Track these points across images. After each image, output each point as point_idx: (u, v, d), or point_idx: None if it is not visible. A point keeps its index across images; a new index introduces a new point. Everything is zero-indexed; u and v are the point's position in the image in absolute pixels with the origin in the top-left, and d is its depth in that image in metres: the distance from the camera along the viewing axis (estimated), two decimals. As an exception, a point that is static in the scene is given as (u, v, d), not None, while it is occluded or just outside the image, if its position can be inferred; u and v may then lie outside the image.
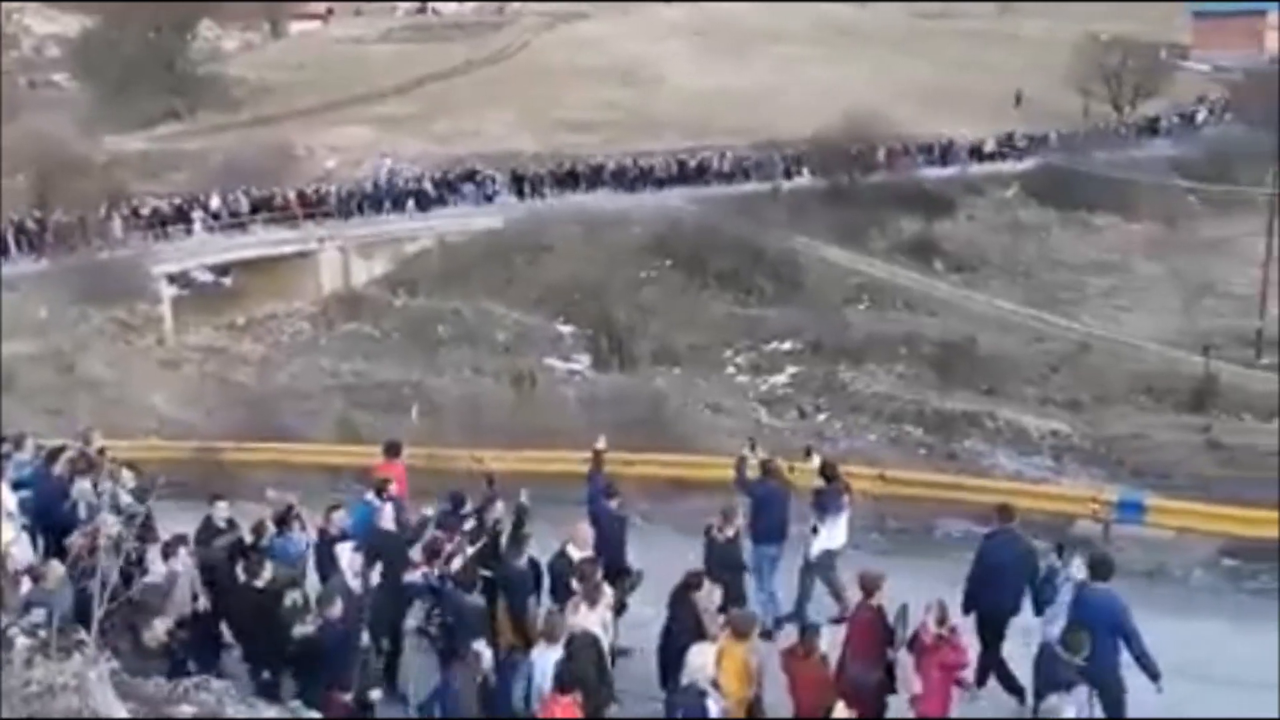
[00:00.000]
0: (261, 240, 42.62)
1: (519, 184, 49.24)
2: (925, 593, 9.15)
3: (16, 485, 11.97)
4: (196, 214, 43.58)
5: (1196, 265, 44.17)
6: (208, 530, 10.72)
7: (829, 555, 11.14)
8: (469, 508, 10.86)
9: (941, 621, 8.48)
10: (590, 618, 8.83)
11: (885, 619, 8.79)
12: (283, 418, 25.99)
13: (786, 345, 36.85)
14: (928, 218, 47.16)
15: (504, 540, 10.37)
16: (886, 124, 50.07)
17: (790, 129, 54.43)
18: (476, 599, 9.29)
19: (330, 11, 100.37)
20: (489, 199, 48.30)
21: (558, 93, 65.89)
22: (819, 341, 35.96)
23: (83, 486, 11.34)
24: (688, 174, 50.74)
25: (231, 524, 10.90)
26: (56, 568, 8.74)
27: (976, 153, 53.97)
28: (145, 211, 43.58)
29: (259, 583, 9.38)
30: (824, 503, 11.16)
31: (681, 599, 9.18)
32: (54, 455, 11.92)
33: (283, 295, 41.62)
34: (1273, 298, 38.40)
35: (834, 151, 48.99)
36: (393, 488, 11.42)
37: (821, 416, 30.69)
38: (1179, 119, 61.56)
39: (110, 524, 9.41)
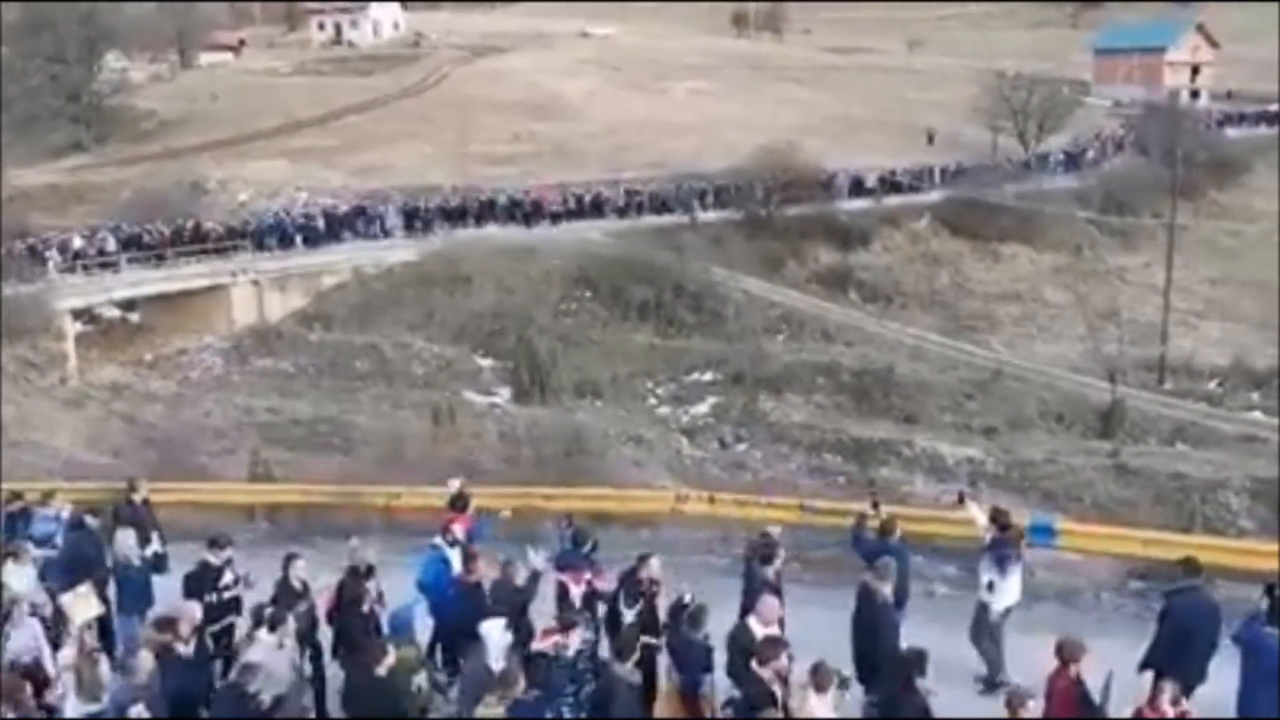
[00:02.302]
0: (171, 274, 41.64)
1: (410, 217, 48.91)
2: (848, 622, 9.16)
3: (39, 541, 11.50)
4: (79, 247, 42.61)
5: (1101, 294, 45.56)
6: (203, 579, 9.86)
7: (1003, 613, 10.21)
8: (586, 543, 10.46)
9: (1176, 701, 7.69)
10: (820, 706, 7.59)
11: (1088, 691, 8.04)
12: (195, 456, 25.40)
13: (707, 376, 37.03)
14: (843, 249, 47.95)
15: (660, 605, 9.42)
16: (802, 157, 50.89)
17: (707, 161, 55.09)
18: (633, 673, 8.24)
19: (242, 43, 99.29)
20: (386, 234, 47.89)
21: (475, 126, 65.91)
22: (739, 372, 36.19)
23: (126, 539, 10.85)
24: (619, 204, 51.02)
25: (306, 589, 9.84)
26: (147, 659, 7.93)
27: (888, 184, 55.10)
28: (51, 245, 42.51)
29: (382, 669, 7.98)
30: (1001, 555, 10.13)
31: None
32: (93, 510, 11.51)
33: (194, 330, 40.67)
34: (1172, 324, 39.78)
35: (751, 183, 49.62)
36: (458, 531, 10.91)
37: (742, 446, 30.82)
38: (1082, 153, 63.56)
39: (194, 609, 8.95)
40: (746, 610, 8.92)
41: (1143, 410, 33.14)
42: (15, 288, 37.29)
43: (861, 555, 10.35)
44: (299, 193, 54.85)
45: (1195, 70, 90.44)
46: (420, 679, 8.57)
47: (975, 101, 64.71)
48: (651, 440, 30.45)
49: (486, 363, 38.81)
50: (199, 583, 9.77)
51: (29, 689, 7.82)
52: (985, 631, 10.12)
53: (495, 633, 8.83)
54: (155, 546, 11.31)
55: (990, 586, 10.08)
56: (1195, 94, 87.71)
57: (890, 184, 55.13)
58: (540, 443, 26.45)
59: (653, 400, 36.15)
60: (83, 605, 8.90)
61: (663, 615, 9.36)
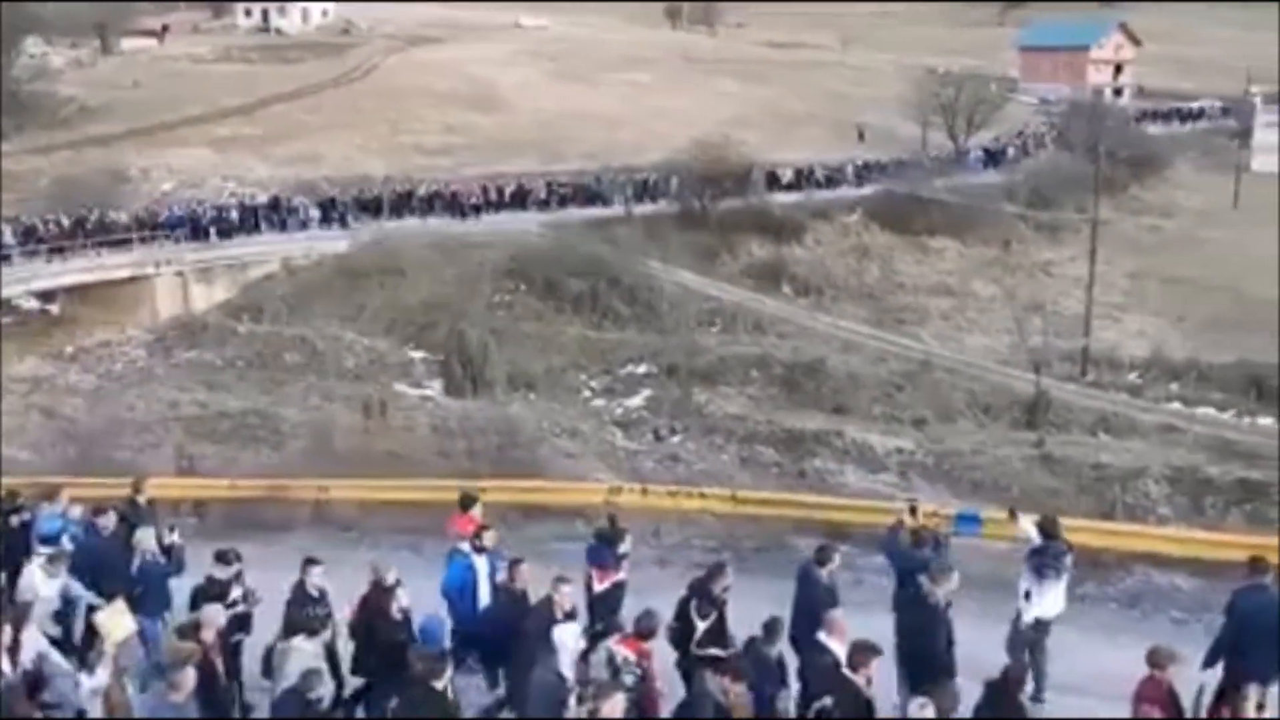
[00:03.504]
0: (92, 265, 40.63)
1: (327, 209, 48.39)
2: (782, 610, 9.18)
3: (44, 539, 11.15)
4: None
5: (1027, 287, 46.45)
6: (210, 595, 9.31)
7: (1042, 626, 9.92)
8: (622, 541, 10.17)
9: (1261, 706, 7.50)
10: None
11: (1179, 701, 7.86)
12: (117, 451, 24.81)
13: (641, 369, 37.06)
14: (776, 242, 48.30)
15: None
16: (735, 149, 51.12)
17: (641, 154, 55.10)
18: (726, 689, 7.80)
19: (166, 29, 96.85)
20: (303, 225, 47.22)
21: (408, 116, 65.16)
22: (673, 365, 36.28)
23: (146, 539, 10.49)
24: (541, 197, 50.78)
25: (323, 595, 9.38)
26: (190, 675, 7.51)
27: (821, 178, 55.58)
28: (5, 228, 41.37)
29: (440, 683, 7.60)
30: (1040, 564, 9.89)
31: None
32: (99, 509, 10.98)
33: (116, 322, 39.76)
34: (1095, 317, 40.68)
35: (685, 176, 49.74)
36: (489, 536, 10.33)
37: (675, 438, 30.82)
38: (1003, 150, 64.66)
39: (218, 613, 8.59)
40: (804, 614, 8.69)
41: (1067, 401, 33.84)
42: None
43: (894, 562, 10.20)
44: (225, 182, 53.81)
45: (1118, 68, 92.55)
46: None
47: (906, 97, 65.50)
48: (585, 433, 30.34)
49: (419, 355, 38.47)
50: (206, 598, 9.34)
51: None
52: (1019, 642, 9.86)
53: (569, 639, 8.52)
54: (172, 538, 10.86)
55: (1026, 596, 9.91)
56: (1119, 91, 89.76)
57: (823, 179, 55.64)
58: (473, 435, 26.22)
59: (586, 393, 36.10)
60: (118, 623, 8.41)
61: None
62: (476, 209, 49.53)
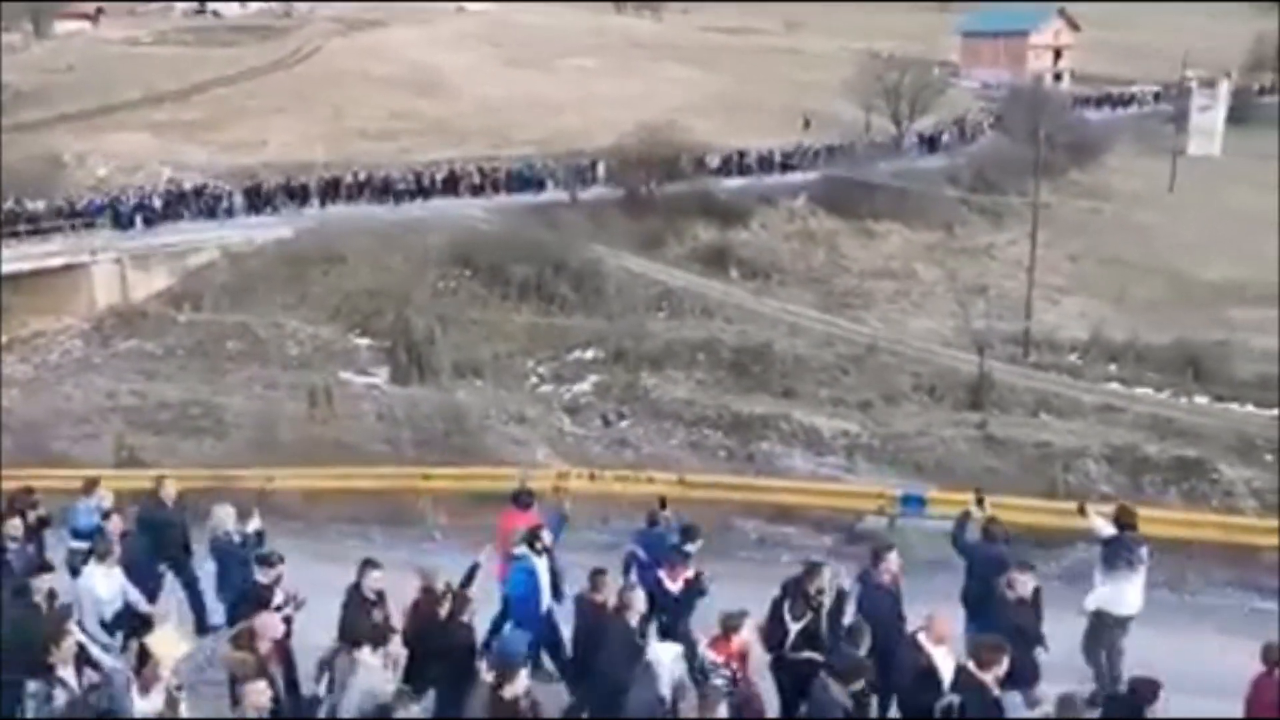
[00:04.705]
0: (26, 253, 39.67)
1: (252, 196, 47.83)
2: (730, 596, 9.07)
3: (79, 534, 10.84)
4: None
5: (971, 270, 47.01)
6: (253, 600, 8.80)
7: (1111, 621, 9.45)
8: (696, 539, 9.70)
9: None
10: None
11: None
12: (54, 442, 24.38)
13: (589, 354, 37.01)
14: (722, 227, 48.37)
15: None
16: (682, 135, 51.10)
17: (587, 139, 54.91)
18: (849, 697, 7.29)
19: (100, 11, 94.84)
20: (228, 213, 46.56)
21: (351, 101, 64.38)
22: (620, 349, 36.26)
23: (224, 519, 10.30)
24: (475, 183, 50.45)
25: (380, 599, 8.82)
26: (264, 690, 7.14)
27: (766, 163, 55.74)
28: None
29: (511, 690, 7.21)
30: (1111, 555, 9.43)
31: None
32: (154, 492, 10.75)
33: (52, 312, 38.91)
34: (1036, 299, 41.27)
35: (631, 161, 49.64)
36: (546, 537, 9.80)
37: (624, 423, 30.89)
38: (952, 133, 65.31)
39: (275, 621, 8.12)
40: (868, 619, 8.25)
41: (1009, 383, 34.32)
42: None
43: (966, 555, 9.82)
44: (163, 167, 52.85)
45: (1058, 54, 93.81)
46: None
47: (850, 82, 65.88)
48: (533, 419, 30.29)
49: (363, 342, 38.12)
50: (249, 607, 8.82)
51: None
52: (1096, 641, 9.54)
53: (667, 656, 7.98)
54: (256, 524, 10.57)
55: (1096, 588, 9.57)
56: (1058, 76, 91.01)
57: (768, 163, 55.82)
58: (420, 423, 26.08)
59: (534, 379, 36.00)
60: (172, 645, 7.92)
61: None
62: (410, 195, 49.09)
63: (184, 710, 7.22)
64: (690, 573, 9.21)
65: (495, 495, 16.36)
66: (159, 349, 37.33)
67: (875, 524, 14.20)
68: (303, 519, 16.51)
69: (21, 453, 20.24)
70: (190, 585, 11.12)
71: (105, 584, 9.35)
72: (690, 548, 9.67)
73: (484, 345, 37.06)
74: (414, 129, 60.43)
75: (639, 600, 8.53)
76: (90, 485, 11.63)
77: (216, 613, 10.47)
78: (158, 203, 45.94)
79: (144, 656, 8.33)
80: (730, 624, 7.95)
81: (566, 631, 9.42)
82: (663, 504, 11.16)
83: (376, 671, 7.65)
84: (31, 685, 7.51)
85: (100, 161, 54.10)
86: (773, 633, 8.58)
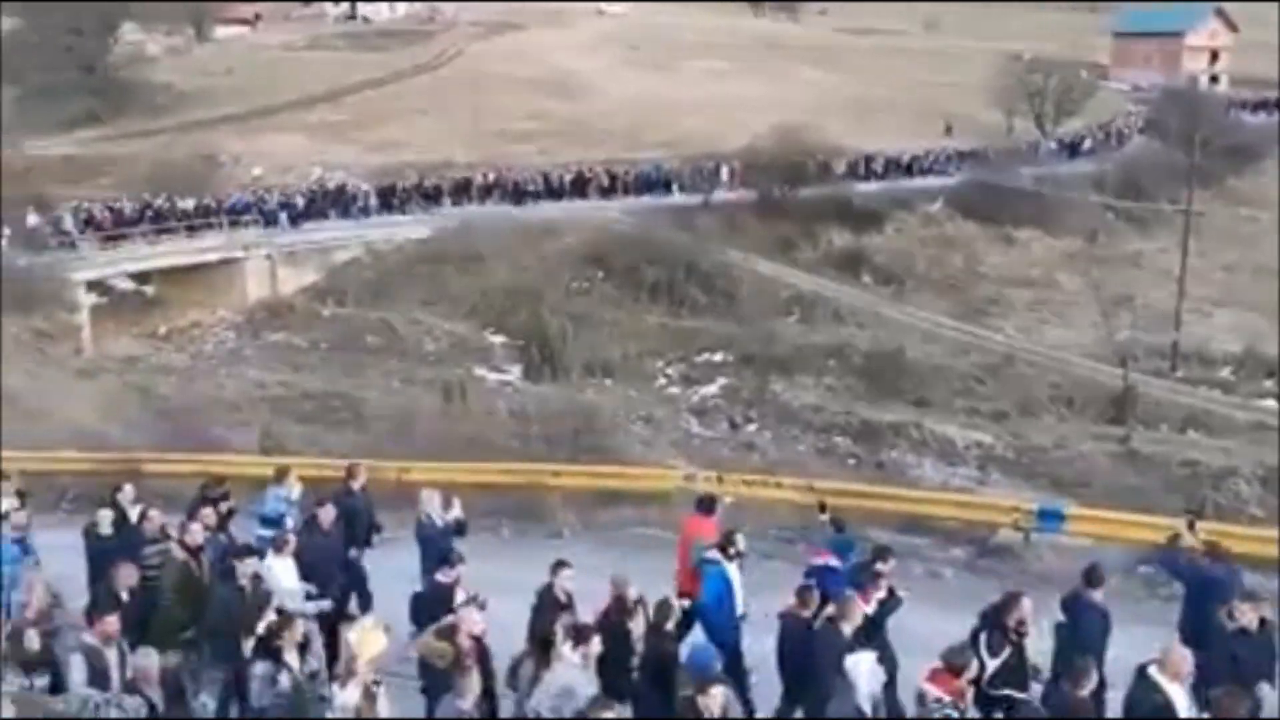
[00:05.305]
0: (185, 248, 41.79)
1: (386, 196, 48.98)
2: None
3: (266, 521, 11.07)
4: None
5: (1116, 279, 45.27)
6: (435, 600, 8.66)
7: None
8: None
9: None
10: None
11: None
12: (208, 429, 25.45)
13: (718, 357, 37.03)
14: (856, 231, 47.77)
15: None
16: (816, 138, 50.67)
17: (722, 141, 54.89)
18: None
19: (258, 17, 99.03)
20: (364, 212, 47.87)
21: (492, 102, 65.73)
22: (750, 353, 36.19)
23: (430, 502, 10.64)
24: (603, 185, 50.89)
25: (570, 600, 8.64)
26: (475, 681, 7.08)
27: (896, 167, 54.85)
28: (69, 216, 42.83)
29: (706, 703, 6.92)
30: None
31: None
32: (321, 501, 10.59)
33: (207, 304, 40.89)
34: (1187, 311, 39.55)
35: (765, 164, 49.45)
36: (741, 542, 9.55)
37: (752, 427, 30.83)
38: (1100, 137, 63.11)
39: (476, 618, 8.03)
40: (1078, 648, 7.80)
41: (1155, 397, 33.00)
42: (30, 258, 37.48)
43: (1183, 580, 9.41)
44: (312, 167, 54.92)
45: (1214, 55, 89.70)
46: None
47: (991, 84, 64.27)
48: (660, 419, 30.48)
49: (498, 340, 38.89)
50: (430, 604, 8.77)
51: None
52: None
53: (864, 669, 7.63)
54: (457, 513, 10.81)
55: None
56: (1215, 79, 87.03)
57: (904, 166, 54.91)
58: (550, 420, 26.45)
59: (662, 380, 36.19)
60: (372, 640, 7.80)
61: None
62: (538, 196, 49.82)
63: (381, 706, 7.22)
64: (882, 592, 8.83)
65: (623, 494, 16.61)
66: (304, 342, 38.77)
67: (1010, 539, 13.86)
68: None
69: (179, 438, 21.17)
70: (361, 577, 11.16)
71: (287, 575, 9.46)
72: (883, 567, 9.17)
73: (614, 345, 37.42)
74: (550, 130, 61.39)
75: (857, 612, 8.15)
76: (281, 473, 11.77)
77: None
78: (300, 201, 47.65)
79: (334, 649, 8.63)
80: (955, 662, 7.35)
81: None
82: (822, 508, 10.92)
83: (575, 670, 7.53)
84: (259, 667, 7.67)
85: (255, 161, 56.50)
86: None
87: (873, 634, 8.53)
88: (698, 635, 9.00)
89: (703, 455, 25.69)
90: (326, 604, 9.64)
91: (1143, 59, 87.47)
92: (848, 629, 8.02)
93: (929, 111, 64.50)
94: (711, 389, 34.67)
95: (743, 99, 64.83)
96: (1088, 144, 61.83)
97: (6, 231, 39.75)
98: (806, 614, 8.50)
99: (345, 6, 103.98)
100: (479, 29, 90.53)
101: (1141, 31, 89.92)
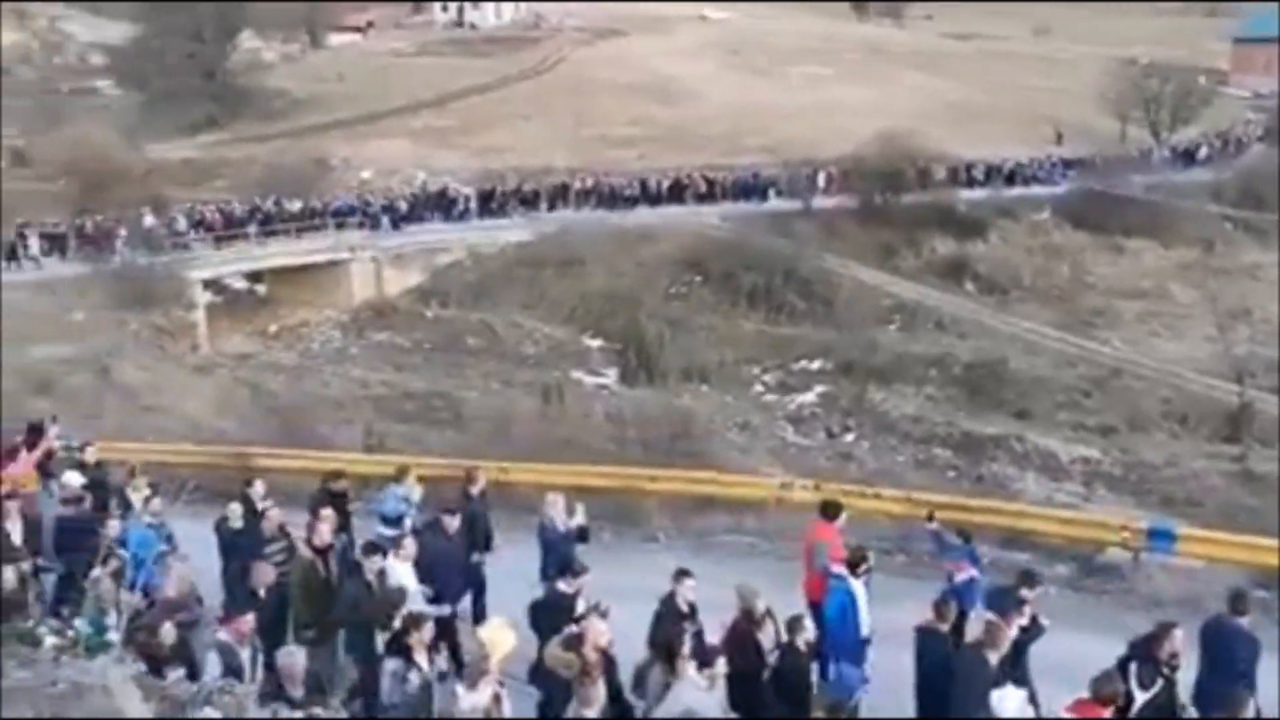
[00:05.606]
0: (294, 249, 43.04)
1: (486, 200, 49.46)
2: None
3: (386, 520, 11.09)
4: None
5: (1232, 292, 43.66)
6: (555, 611, 8.52)
7: None
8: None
9: None
10: None
11: None
12: (314, 426, 26.11)
13: (815, 364, 36.74)
14: (960, 239, 46.92)
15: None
16: (920, 144, 49.95)
17: (822, 147, 54.47)
18: None
19: (370, 24, 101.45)
20: (463, 216, 48.52)
21: (594, 108, 66.27)
22: (848, 361, 35.82)
23: (555, 505, 10.73)
24: (701, 191, 50.86)
25: (694, 611, 8.54)
26: (601, 691, 7.05)
27: (1009, 174, 53.72)
28: (183, 217, 44.47)
29: None
30: None
31: None
32: (448, 509, 10.57)
33: (315, 304, 42.00)
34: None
35: (867, 171, 48.91)
36: (871, 559, 9.36)
37: (849, 437, 30.52)
38: (1218, 145, 60.99)
39: (603, 629, 7.91)
40: (1228, 676, 7.52)
41: (1272, 414, 31.73)
42: (150, 258, 38.99)
43: None
44: (418, 171, 56.03)
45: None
46: None
47: (1103, 90, 62.56)
48: (757, 427, 30.36)
49: (595, 344, 39.16)
50: (552, 613, 8.57)
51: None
52: None
53: (1012, 704, 7.41)
54: (580, 519, 10.79)
55: None
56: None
57: (1010, 174, 53.79)
58: (646, 425, 26.50)
59: (759, 387, 36.03)
60: (503, 639, 7.62)
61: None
62: (635, 201, 50.01)
63: (506, 708, 7.18)
64: (1025, 619, 8.45)
65: (718, 500, 16.61)
66: (408, 342, 39.56)
67: (1118, 558, 13.48)
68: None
69: (288, 434, 21.74)
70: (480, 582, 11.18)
71: (407, 577, 9.35)
72: (1028, 593, 8.77)
73: (711, 351, 37.39)
74: (652, 136, 61.61)
75: (1004, 640, 7.80)
76: (401, 472, 11.78)
77: None
78: (402, 205, 48.60)
79: (455, 650, 8.76)
80: (1105, 692, 7.02)
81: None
82: (930, 517, 10.74)
83: (701, 692, 7.38)
84: (390, 664, 7.74)
85: (363, 165, 57.88)
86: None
87: (1015, 663, 8.22)
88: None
89: (799, 464, 25.51)
90: (446, 609, 9.65)
91: (1265, 65, 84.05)
92: (994, 657, 7.67)
93: (1035, 118, 63.09)
94: (809, 397, 34.41)
95: (843, 104, 64.28)
96: (1204, 152, 59.76)
97: (123, 232, 41.43)
98: (944, 627, 8.26)
99: (453, 13, 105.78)
100: (583, 35, 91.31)
101: (1265, 37, 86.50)
